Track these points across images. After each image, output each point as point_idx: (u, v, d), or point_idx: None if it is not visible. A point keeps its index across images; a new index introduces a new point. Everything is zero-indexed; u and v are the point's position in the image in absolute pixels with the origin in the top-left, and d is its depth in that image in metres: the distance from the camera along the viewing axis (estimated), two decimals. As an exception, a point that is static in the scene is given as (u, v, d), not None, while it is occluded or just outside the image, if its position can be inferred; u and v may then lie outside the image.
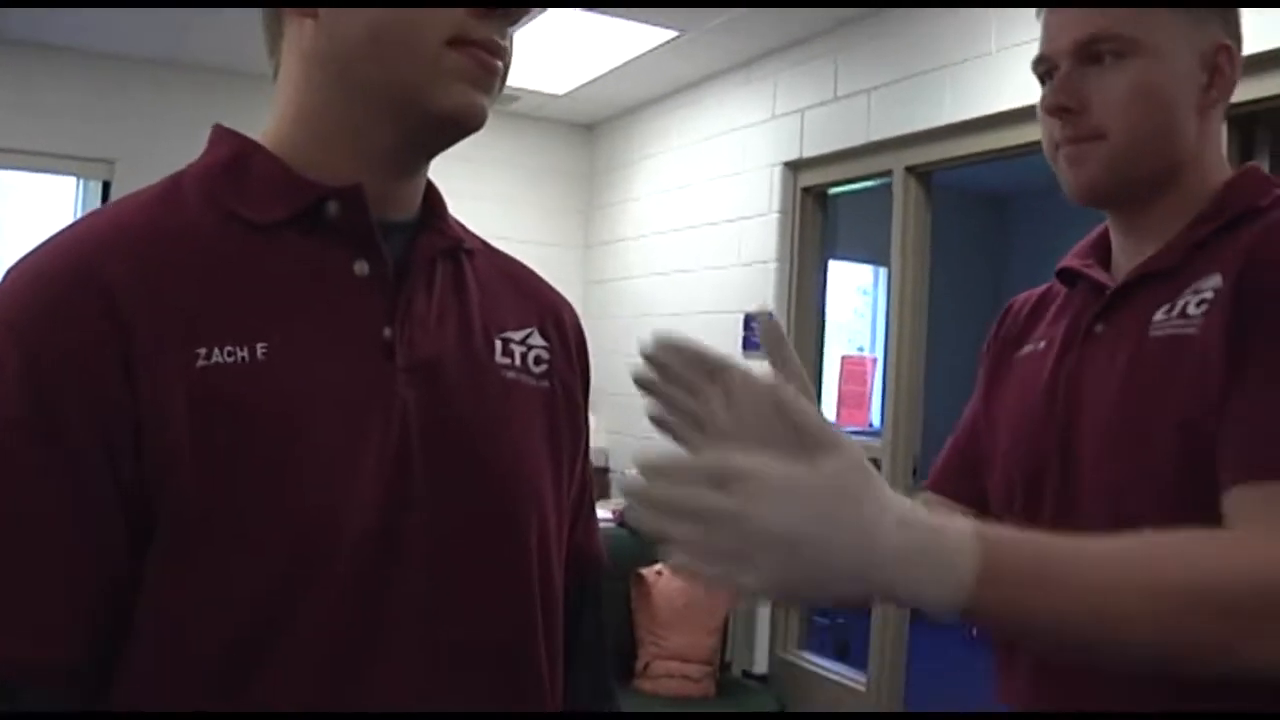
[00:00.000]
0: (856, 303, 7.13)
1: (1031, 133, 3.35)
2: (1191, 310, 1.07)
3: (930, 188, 3.99)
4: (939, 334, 4.09)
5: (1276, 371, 0.99)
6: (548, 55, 4.79)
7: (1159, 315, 1.10)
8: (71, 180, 5.22)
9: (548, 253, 5.97)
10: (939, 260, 4.05)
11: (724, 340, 4.74)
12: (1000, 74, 3.41)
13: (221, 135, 0.97)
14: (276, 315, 0.88)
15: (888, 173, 4.04)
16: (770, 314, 1.06)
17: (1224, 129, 1.20)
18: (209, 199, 0.91)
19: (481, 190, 5.66)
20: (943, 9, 3.67)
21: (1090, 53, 1.16)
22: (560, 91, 5.42)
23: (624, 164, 5.85)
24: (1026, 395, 1.25)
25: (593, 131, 6.16)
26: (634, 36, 4.50)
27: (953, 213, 3.88)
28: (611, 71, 5.01)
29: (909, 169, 3.94)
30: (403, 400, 0.91)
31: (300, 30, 0.93)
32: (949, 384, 5.59)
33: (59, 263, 0.85)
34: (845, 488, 0.78)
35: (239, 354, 0.84)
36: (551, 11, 4.19)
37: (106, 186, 5.07)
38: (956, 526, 0.80)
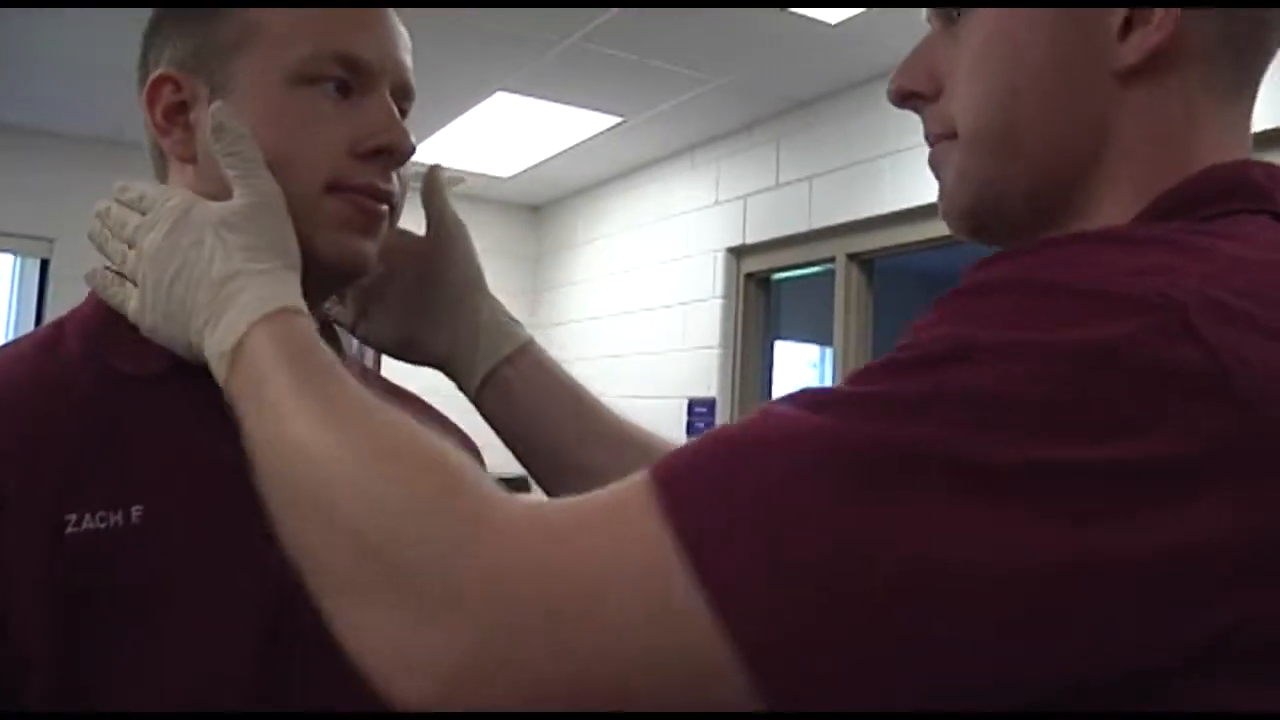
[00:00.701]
0: (805, 378, 7.12)
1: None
2: None
3: (873, 275, 4.01)
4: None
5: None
6: (493, 139, 4.82)
7: None
8: (9, 258, 5.14)
9: (493, 334, 5.95)
10: (883, 344, 4.07)
11: (669, 424, 4.72)
12: (939, 164, 3.43)
13: None
14: (153, 475, 0.83)
15: (830, 259, 4.06)
16: (437, 165, 1.01)
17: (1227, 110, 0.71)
18: (88, 349, 0.87)
19: (426, 272, 5.64)
20: (883, 100, 3.73)
21: (942, 9, 0.74)
22: (507, 174, 5.44)
23: (570, 245, 5.86)
24: None
25: (539, 213, 6.18)
26: (578, 122, 4.52)
27: (895, 295, 3.91)
28: (557, 155, 5.04)
29: (850, 256, 3.97)
30: (280, 560, 0.86)
31: (182, 173, 0.90)
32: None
33: None
34: (221, 220, 0.79)
35: (112, 519, 0.80)
36: (495, 98, 4.22)
37: (45, 264, 5.01)
38: (280, 300, 0.75)
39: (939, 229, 3.50)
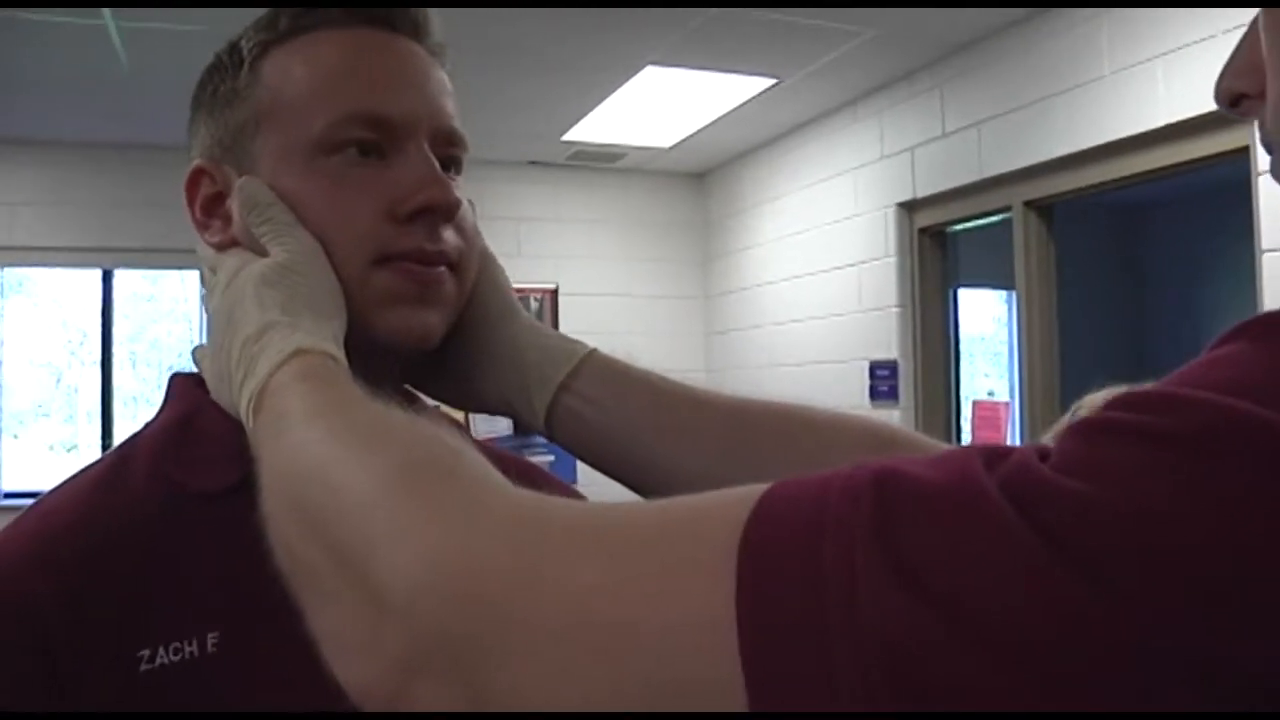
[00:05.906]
0: (990, 329, 6.88)
1: (1155, 158, 3.20)
2: None
3: (1052, 221, 3.78)
4: (1076, 364, 3.87)
5: None
6: (649, 111, 4.76)
7: None
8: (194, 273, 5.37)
9: (668, 305, 5.92)
10: (1070, 283, 3.84)
11: (851, 388, 4.60)
12: (1116, 98, 3.19)
13: (177, 390, 0.88)
14: (227, 597, 0.78)
15: (1006, 208, 3.85)
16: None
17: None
18: (155, 470, 0.82)
19: (597, 250, 5.65)
20: (1050, 35, 3.49)
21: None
22: (667, 145, 5.37)
23: (738, 212, 5.76)
24: None
25: (704, 180, 6.09)
26: (733, 87, 4.42)
27: (1080, 230, 3.66)
28: (715, 121, 4.94)
29: (1028, 204, 3.75)
30: None
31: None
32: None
33: None
34: (260, 277, 0.75)
35: (186, 649, 0.75)
36: (645, 72, 4.14)
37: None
38: (306, 347, 0.69)
39: (1120, 169, 3.29)
